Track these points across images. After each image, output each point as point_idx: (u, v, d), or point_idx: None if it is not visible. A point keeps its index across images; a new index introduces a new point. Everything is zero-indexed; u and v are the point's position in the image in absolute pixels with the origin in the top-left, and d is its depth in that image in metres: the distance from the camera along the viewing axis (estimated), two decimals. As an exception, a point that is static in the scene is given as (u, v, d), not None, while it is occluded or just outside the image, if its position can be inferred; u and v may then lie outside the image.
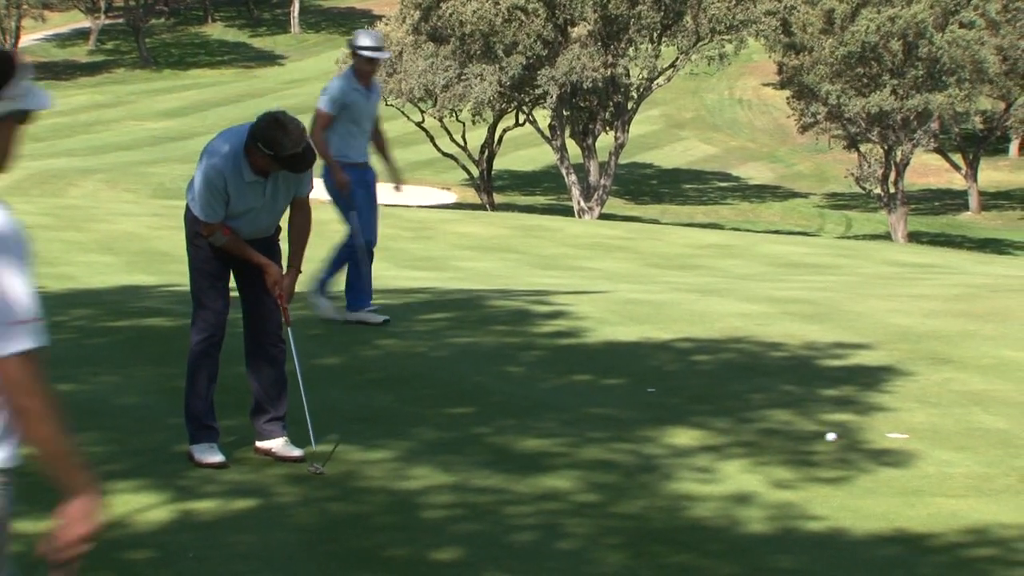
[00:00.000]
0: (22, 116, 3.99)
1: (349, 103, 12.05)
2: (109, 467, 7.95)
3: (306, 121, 9.27)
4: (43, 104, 4.01)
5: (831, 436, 8.99)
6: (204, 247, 8.36)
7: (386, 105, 56.83)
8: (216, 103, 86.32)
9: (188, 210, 8.52)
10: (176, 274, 19.10)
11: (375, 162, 12.59)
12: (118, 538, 6.82)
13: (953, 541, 7.02)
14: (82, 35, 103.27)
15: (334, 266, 12.72)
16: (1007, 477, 8.16)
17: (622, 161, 58.88)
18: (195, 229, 8.38)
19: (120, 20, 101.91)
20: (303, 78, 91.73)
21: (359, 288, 12.62)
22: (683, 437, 8.83)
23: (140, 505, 7.25)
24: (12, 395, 3.82)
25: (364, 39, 12.17)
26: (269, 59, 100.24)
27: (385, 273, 20.66)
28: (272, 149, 8.21)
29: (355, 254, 12.58)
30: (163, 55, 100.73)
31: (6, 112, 3.94)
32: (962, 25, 53.40)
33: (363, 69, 12.12)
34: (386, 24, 58.03)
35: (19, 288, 3.78)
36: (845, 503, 7.58)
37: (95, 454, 8.25)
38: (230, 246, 8.30)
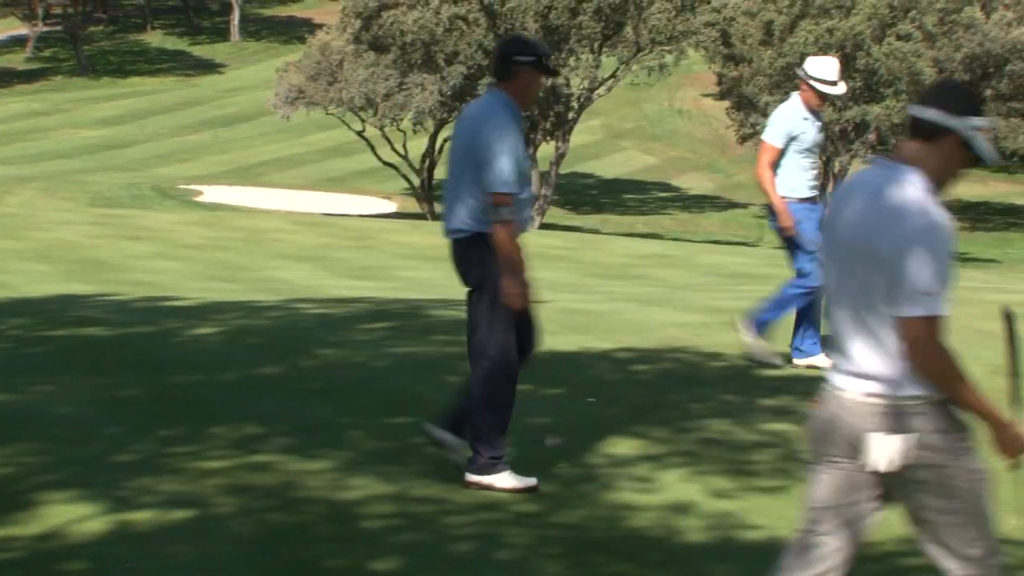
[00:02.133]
0: (971, 154, 4.99)
1: (798, 133, 11.22)
2: (44, 477, 7.89)
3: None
4: (988, 157, 5.01)
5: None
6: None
7: (327, 114, 56.81)
8: (155, 111, 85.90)
9: (472, 238, 7.94)
10: (113, 283, 19.01)
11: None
12: (53, 549, 6.77)
13: (889, 550, 7.06)
14: (19, 42, 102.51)
15: (778, 307, 11.50)
16: (943, 486, 8.21)
17: (563, 171, 59.02)
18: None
19: (58, 27, 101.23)
20: (243, 86, 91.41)
21: (813, 333, 11.56)
22: (622, 447, 8.84)
23: (75, 516, 7.19)
24: (909, 351, 4.84)
25: (820, 70, 11.23)
26: (209, 67, 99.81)
27: (325, 282, 20.62)
28: (534, 51, 7.97)
29: (806, 297, 11.33)
30: (101, 63, 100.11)
31: (966, 131, 4.96)
32: (899, 37, 53.82)
33: (811, 100, 11.26)
34: (327, 33, 57.91)
35: (927, 267, 4.78)
36: (783, 512, 7.61)
37: (30, 464, 8.19)
38: (509, 236, 7.86)
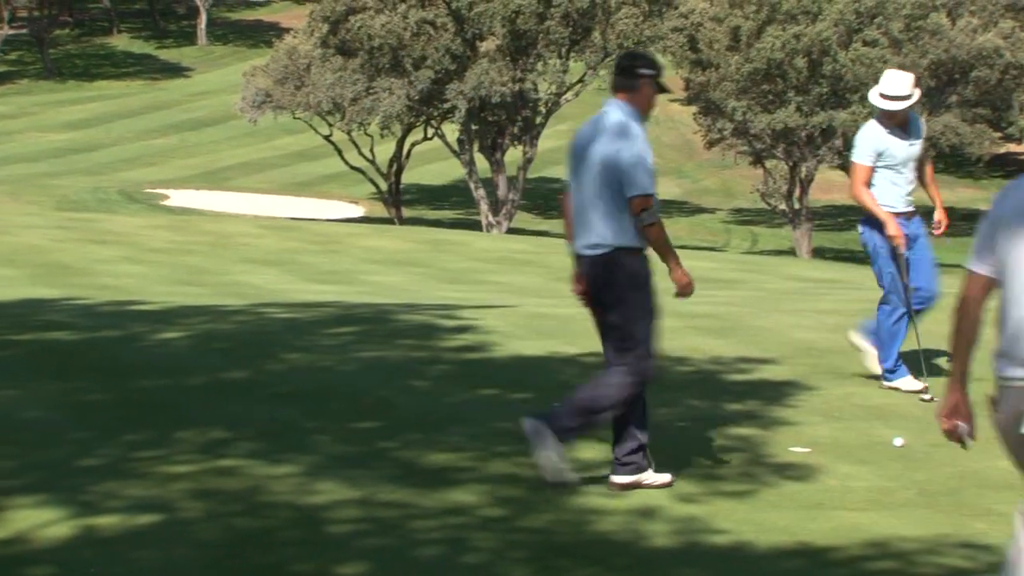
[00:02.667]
0: None
1: (883, 149, 10.97)
2: (10, 482, 7.86)
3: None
4: None
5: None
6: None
7: (294, 118, 56.74)
8: (121, 115, 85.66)
9: (612, 253, 8.06)
10: (79, 287, 18.94)
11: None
12: (19, 554, 6.75)
13: (855, 554, 7.09)
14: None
15: (889, 344, 11.07)
16: (907, 491, 8.26)
17: (530, 175, 59.04)
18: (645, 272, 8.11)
19: (24, 31, 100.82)
20: (209, 90, 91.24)
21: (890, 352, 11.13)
22: (589, 451, 8.85)
23: (41, 520, 7.17)
24: None
25: (883, 82, 10.98)
26: (175, 71, 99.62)
27: (291, 287, 20.58)
28: (655, 66, 8.27)
29: (901, 317, 10.98)
30: (68, 66, 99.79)
31: None
32: (865, 43, 54.02)
33: (882, 117, 11.00)
34: (294, 37, 57.85)
35: None
36: (749, 516, 7.64)
37: (-4, 469, 8.16)
38: (661, 234, 8.06)
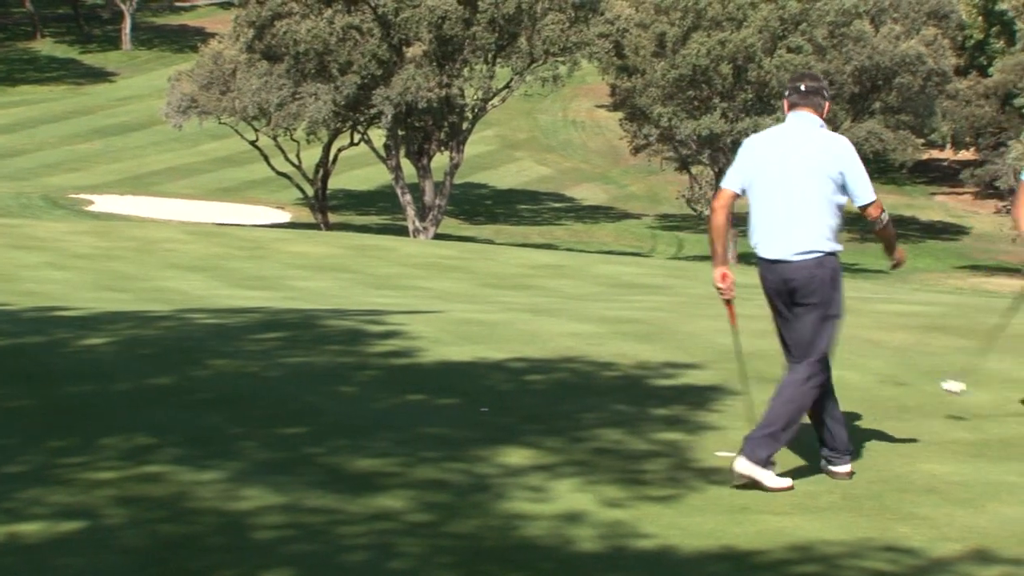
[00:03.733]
0: None
1: None
2: (-68, 490, 7.79)
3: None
4: None
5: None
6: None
7: (219, 123, 56.47)
8: (45, 120, 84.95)
9: (822, 259, 8.46)
10: (3, 293, 18.78)
11: None
12: (-59, 562, 6.68)
13: (779, 558, 7.13)
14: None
15: None
16: (831, 495, 8.31)
17: (457, 181, 59.08)
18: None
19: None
20: (134, 95, 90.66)
21: None
22: (516, 456, 8.87)
23: (-36, 528, 7.11)
24: None
25: None
26: (100, 76, 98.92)
27: (218, 292, 20.49)
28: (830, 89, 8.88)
29: None
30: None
31: None
32: (790, 50, 54.41)
33: None
34: (219, 42, 57.59)
35: None
36: (674, 521, 7.67)
37: (-83, 477, 8.07)
38: (892, 229, 8.71)
